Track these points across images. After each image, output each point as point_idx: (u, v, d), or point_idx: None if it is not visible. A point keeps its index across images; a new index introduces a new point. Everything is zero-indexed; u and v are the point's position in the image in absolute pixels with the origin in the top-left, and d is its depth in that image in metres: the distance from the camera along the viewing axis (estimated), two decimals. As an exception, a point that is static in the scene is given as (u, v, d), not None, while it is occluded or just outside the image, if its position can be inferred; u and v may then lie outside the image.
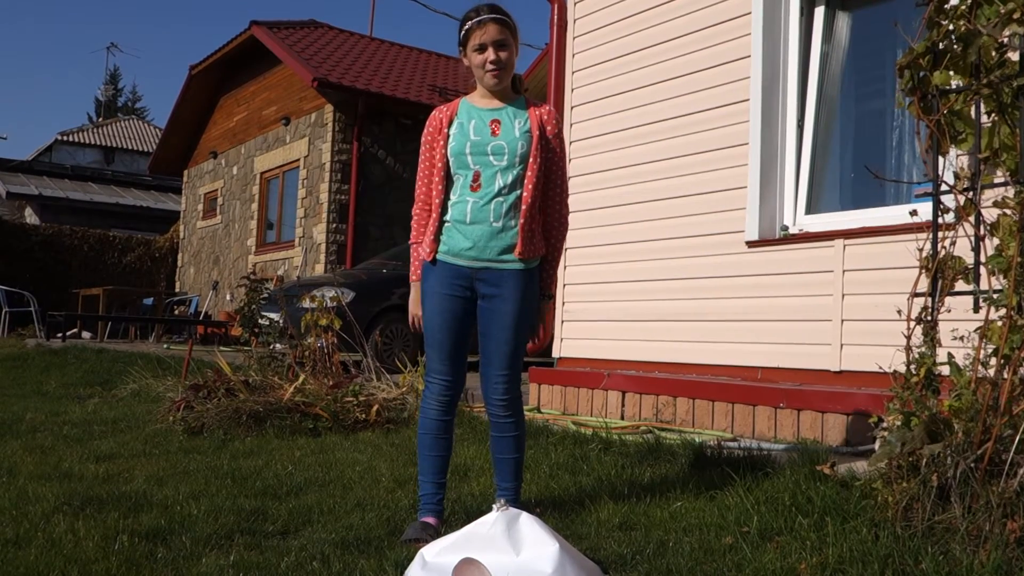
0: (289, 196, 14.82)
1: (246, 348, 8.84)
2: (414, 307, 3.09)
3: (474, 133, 3.00)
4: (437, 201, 3.03)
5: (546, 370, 6.23)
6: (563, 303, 6.31)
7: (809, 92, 5.27)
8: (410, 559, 2.45)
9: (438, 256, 3.03)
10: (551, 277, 3.12)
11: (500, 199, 2.97)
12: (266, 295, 9.51)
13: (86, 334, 15.17)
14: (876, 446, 2.88)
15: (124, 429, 5.31)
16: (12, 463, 4.14)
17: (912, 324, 2.90)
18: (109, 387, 7.73)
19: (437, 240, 3.03)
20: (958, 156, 3.10)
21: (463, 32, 2.99)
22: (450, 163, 3.02)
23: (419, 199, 3.10)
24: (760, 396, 4.73)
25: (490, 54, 2.96)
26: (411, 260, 3.11)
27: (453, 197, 3.03)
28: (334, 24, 17.40)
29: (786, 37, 5.28)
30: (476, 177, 2.98)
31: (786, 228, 5.16)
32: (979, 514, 2.48)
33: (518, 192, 2.98)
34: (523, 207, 2.98)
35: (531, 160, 2.99)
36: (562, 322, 6.35)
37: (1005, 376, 2.60)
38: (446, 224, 3.03)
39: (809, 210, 5.19)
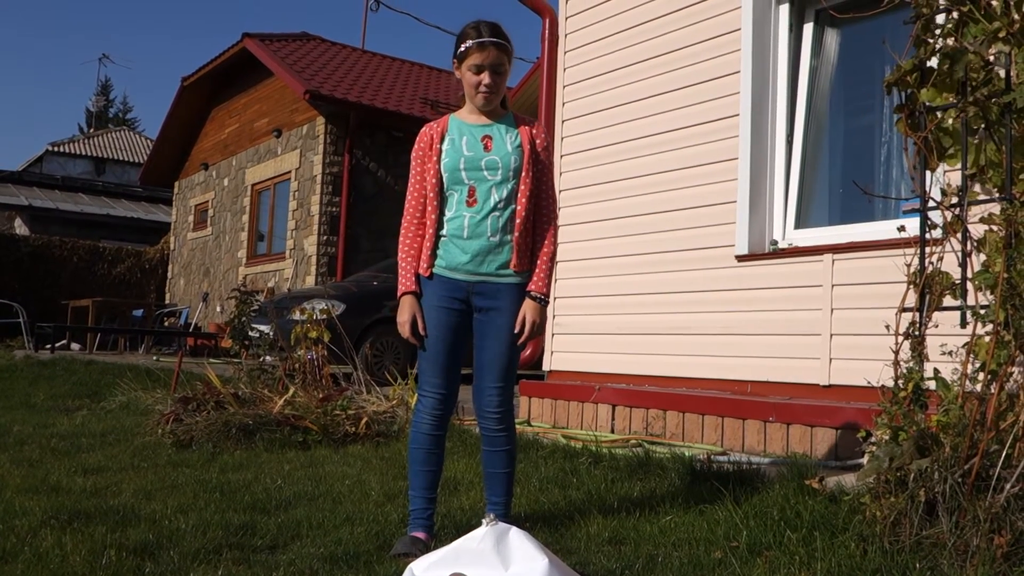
0: (280, 208, 14.80)
1: (236, 360, 8.81)
2: (402, 316, 3.05)
3: (467, 149, 3.02)
4: (433, 217, 3.03)
5: (537, 383, 6.23)
6: (554, 316, 6.32)
7: (798, 107, 5.31)
8: (399, 574, 2.45)
9: (435, 271, 3.03)
10: (544, 283, 3.06)
11: (496, 213, 2.98)
12: (256, 307, 9.50)
13: (75, 346, 15.10)
14: (865, 461, 2.89)
15: (112, 442, 5.28)
16: (-1, 476, 4.12)
17: (900, 339, 2.91)
18: (98, 399, 7.69)
19: (434, 255, 3.04)
20: (945, 172, 3.12)
21: (463, 48, 3.00)
22: (443, 179, 3.03)
23: (409, 214, 3.08)
24: (749, 410, 4.74)
25: (485, 77, 2.98)
26: (400, 274, 3.09)
27: (448, 213, 3.03)
28: (326, 37, 17.46)
29: (775, 53, 5.32)
30: (471, 192, 2.99)
31: (775, 242, 5.18)
32: (967, 529, 2.49)
33: (513, 206, 3.01)
34: (517, 221, 3.00)
35: (524, 174, 3.01)
36: (553, 335, 6.36)
37: (992, 391, 2.62)
38: (442, 239, 3.04)
39: (798, 225, 5.22)
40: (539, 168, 3.07)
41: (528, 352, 6.69)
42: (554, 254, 3.09)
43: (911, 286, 2.96)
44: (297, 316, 6.77)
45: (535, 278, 3.04)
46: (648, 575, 2.60)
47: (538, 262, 3.06)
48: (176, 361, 8.46)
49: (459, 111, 3.14)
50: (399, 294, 3.06)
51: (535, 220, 3.08)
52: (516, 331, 3.01)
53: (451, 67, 3.12)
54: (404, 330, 3.03)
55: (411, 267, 3.06)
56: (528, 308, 3.01)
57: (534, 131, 3.09)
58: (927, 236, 3.01)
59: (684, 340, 5.48)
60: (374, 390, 6.32)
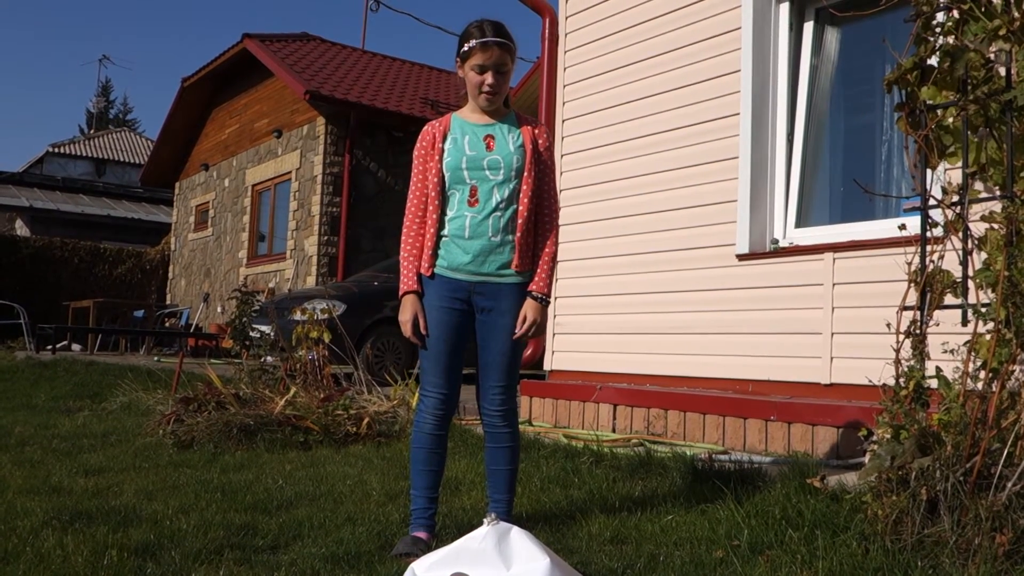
0: (281, 208, 14.81)
1: (237, 361, 8.82)
2: (404, 315, 3.06)
3: (469, 148, 3.01)
4: (435, 216, 3.03)
5: (538, 383, 6.23)
6: (555, 316, 6.32)
7: (798, 106, 5.30)
8: (401, 574, 2.45)
9: (436, 271, 3.03)
10: (545, 283, 3.06)
11: (498, 213, 2.98)
12: (257, 307, 9.51)
13: (76, 346, 15.10)
14: (866, 459, 2.89)
15: (114, 442, 5.28)
16: (0, 477, 4.11)
17: (901, 338, 2.91)
18: (99, 400, 7.69)
19: (435, 255, 3.03)
20: (946, 170, 3.12)
21: (466, 47, 2.98)
22: (445, 178, 3.03)
23: (411, 213, 3.08)
24: (751, 409, 4.74)
25: (488, 78, 2.98)
26: (402, 274, 3.09)
27: (450, 212, 3.03)
28: (326, 37, 17.46)
29: (775, 52, 5.32)
30: (473, 192, 2.99)
31: (776, 241, 5.18)
32: (968, 527, 2.49)
33: (514, 207, 3.00)
34: (519, 221, 3.00)
35: (526, 174, 3.01)
36: (554, 335, 6.35)
37: (993, 389, 2.62)
38: (444, 238, 3.03)
39: (799, 223, 5.22)
40: (541, 168, 3.07)
41: (529, 351, 6.69)
42: (555, 254, 3.10)
43: (912, 284, 2.96)
44: (298, 316, 6.77)
45: (536, 278, 3.05)
46: (650, 574, 2.60)
47: (539, 262, 3.06)
48: (177, 362, 8.46)
49: (461, 110, 3.14)
50: (401, 293, 3.06)
51: (536, 220, 3.08)
52: (517, 331, 3.01)
53: (451, 67, 3.12)
54: (406, 329, 3.03)
55: (413, 266, 3.05)
56: (529, 308, 3.01)
57: (536, 131, 3.09)
58: (928, 234, 3.00)
59: (685, 339, 5.48)
60: (375, 390, 6.32)
